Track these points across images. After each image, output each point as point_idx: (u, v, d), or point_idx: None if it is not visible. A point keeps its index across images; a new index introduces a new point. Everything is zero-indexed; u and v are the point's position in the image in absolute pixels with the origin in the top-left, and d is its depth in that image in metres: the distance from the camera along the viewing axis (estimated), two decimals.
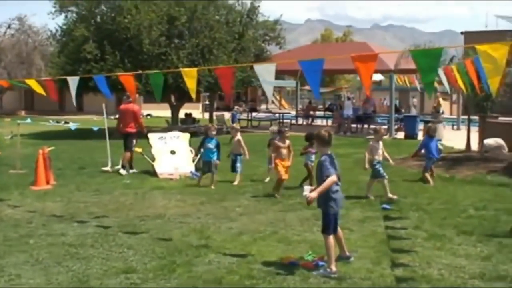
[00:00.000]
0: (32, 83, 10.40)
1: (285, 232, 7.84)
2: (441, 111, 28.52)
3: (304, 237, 7.59)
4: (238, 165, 12.28)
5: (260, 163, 14.78)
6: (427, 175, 12.14)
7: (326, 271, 6.07)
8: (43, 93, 10.45)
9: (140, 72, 11.24)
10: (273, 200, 10.16)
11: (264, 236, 7.64)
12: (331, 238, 6.25)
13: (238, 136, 12.46)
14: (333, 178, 6.15)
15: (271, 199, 10.25)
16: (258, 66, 7.96)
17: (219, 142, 12.28)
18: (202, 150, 12.57)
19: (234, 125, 11.81)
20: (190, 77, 8.46)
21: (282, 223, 8.38)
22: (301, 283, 5.76)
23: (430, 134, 12.86)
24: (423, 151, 13.00)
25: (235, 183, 11.84)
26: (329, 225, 6.28)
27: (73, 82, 9.66)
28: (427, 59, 6.26)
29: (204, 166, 12.07)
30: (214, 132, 12.17)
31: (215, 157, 11.88)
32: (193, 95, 8.54)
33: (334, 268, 6.09)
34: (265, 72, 7.50)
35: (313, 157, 11.38)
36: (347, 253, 6.52)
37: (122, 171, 13.36)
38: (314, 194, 6.16)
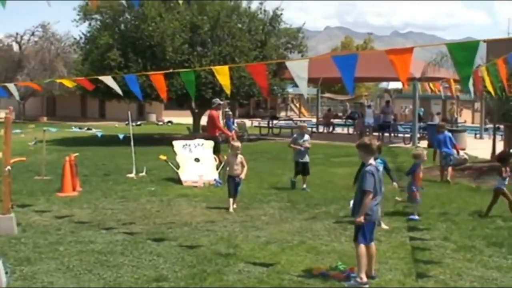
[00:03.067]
0: (64, 81, 10.54)
1: (313, 242, 7.81)
2: (453, 120, 28.32)
3: (332, 247, 7.56)
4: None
5: (284, 171, 14.80)
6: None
7: (357, 282, 6.05)
8: (73, 84, 10.68)
9: (171, 71, 11.31)
10: (298, 209, 10.14)
11: (292, 245, 7.62)
12: (363, 246, 6.21)
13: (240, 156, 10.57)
14: (369, 196, 6.14)
15: (296, 208, 10.23)
16: (291, 62, 7.98)
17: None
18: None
19: (235, 143, 10.74)
20: (222, 75, 8.47)
21: (309, 233, 8.36)
22: None
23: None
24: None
25: (231, 209, 10.06)
26: (359, 233, 6.25)
27: (107, 79, 9.75)
28: (464, 52, 6.15)
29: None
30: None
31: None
32: (228, 91, 8.56)
33: (364, 278, 6.06)
34: (298, 68, 7.51)
35: (506, 181, 9.92)
36: (373, 273, 6.32)
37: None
38: (361, 219, 6.17)
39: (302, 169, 12.46)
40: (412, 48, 6.81)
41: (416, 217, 9.41)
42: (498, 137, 18.75)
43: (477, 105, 38.82)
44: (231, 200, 10.15)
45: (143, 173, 14.25)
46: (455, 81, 17.50)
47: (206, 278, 6.17)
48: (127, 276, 6.28)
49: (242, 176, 10.45)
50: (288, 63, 7.93)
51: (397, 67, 6.65)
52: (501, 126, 18.94)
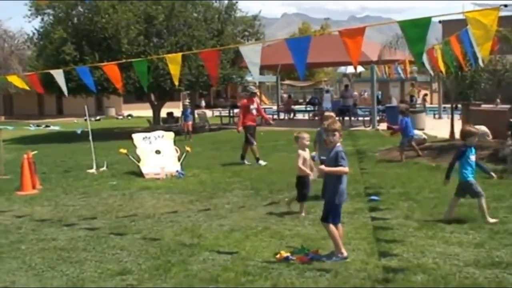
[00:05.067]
0: (14, 79, 10.25)
1: (277, 227, 7.82)
2: (414, 101, 28.83)
3: (296, 231, 7.59)
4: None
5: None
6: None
7: (338, 257, 6.20)
8: (26, 87, 10.29)
9: (124, 61, 11.04)
10: (262, 196, 10.15)
11: (256, 232, 7.62)
12: (332, 226, 6.32)
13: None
14: (345, 169, 6.26)
15: (259, 195, 10.24)
16: (244, 47, 7.95)
17: None
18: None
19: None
20: (174, 63, 8.39)
21: (273, 219, 8.38)
22: (298, 277, 5.74)
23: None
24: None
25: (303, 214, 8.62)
26: (329, 214, 6.35)
27: (58, 74, 9.54)
28: (416, 29, 6.23)
29: None
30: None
31: None
32: (176, 81, 8.48)
33: (345, 253, 6.25)
34: (251, 53, 7.48)
35: None
36: (344, 253, 6.36)
37: (262, 162, 13.96)
38: (326, 169, 6.32)
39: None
40: (364, 27, 6.84)
41: (376, 197, 9.53)
42: (457, 116, 19.09)
43: (435, 85, 39.44)
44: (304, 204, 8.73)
45: (104, 168, 14.05)
46: (410, 62, 17.80)
47: (170, 269, 6.11)
48: (90, 271, 6.18)
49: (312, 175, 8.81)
50: (241, 48, 7.89)
51: (349, 48, 6.68)
52: (459, 105, 19.30)
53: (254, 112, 14.28)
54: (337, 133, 6.44)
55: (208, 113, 31.72)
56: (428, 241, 6.94)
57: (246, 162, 14.14)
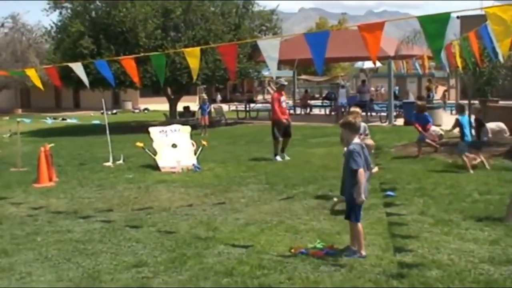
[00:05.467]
0: (31, 73, 10.32)
1: (292, 222, 7.84)
2: (431, 96, 28.64)
3: (311, 226, 7.59)
4: None
5: (262, 153, 14.81)
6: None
7: (356, 255, 6.19)
8: (41, 86, 10.34)
9: (141, 55, 11.02)
10: (277, 190, 10.16)
11: (271, 226, 7.64)
12: (359, 224, 6.31)
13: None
14: (361, 172, 6.15)
15: (274, 189, 10.25)
16: (263, 41, 7.91)
17: None
18: None
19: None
20: (193, 57, 8.38)
21: (288, 213, 8.38)
22: (312, 271, 5.75)
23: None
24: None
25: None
26: (352, 211, 6.32)
27: (77, 67, 9.59)
28: (435, 24, 6.14)
29: None
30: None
31: None
32: (194, 76, 8.47)
33: (364, 253, 6.21)
34: (269, 47, 7.44)
35: None
36: (363, 253, 6.32)
37: (278, 158, 13.84)
38: (362, 197, 6.19)
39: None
40: (383, 22, 6.79)
41: (392, 193, 9.49)
42: None
43: (452, 81, 39.13)
44: None
45: (120, 161, 14.15)
46: (428, 58, 17.68)
47: (186, 262, 6.16)
48: (106, 263, 6.24)
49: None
50: (259, 42, 7.86)
51: (368, 42, 6.64)
52: (476, 102, 19.12)
53: (284, 105, 14.14)
54: (347, 129, 6.42)
55: (225, 107, 31.76)
56: (443, 237, 6.91)
57: (285, 157, 13.92)
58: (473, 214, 7.98)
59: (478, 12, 7.05)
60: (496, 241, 6.71)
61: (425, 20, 6.35)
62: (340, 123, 6.67)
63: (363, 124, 8.74)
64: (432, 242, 6.73)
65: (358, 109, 9.45)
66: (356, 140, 6.38)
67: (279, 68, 49.60)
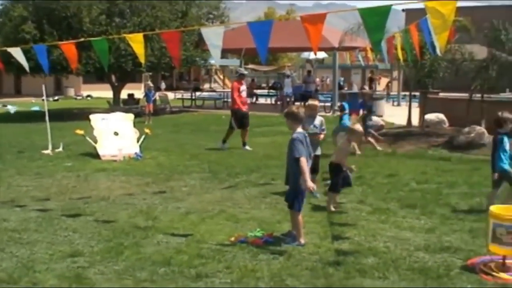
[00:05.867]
0: None
1: (233, 211, 7.84)
2: (374, 87, 29.22)
3: (252, 214, 7.61)
4: None
5: (206, 142, 14.78)
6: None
7: (295, 243, 6.24)
8: None
9: (81, 40, 10.72)
10: (220, 179, 10.13)
11: (212, 215, 7.61)
12: (300, 214, 6.37)
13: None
14: (303, 160, 6.17)
15: (217, 178, 10.22)
16: (206, 29, 7.84)
17: None
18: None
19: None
20: (136, 43, 8.23)
21: (230, 202, 8.38)
22: (251, 260, 5.77)
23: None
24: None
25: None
26: (295, 200, 6.37)
27: (16, 52, 9.28)
28: (375, 17, 6.21)
29: None
30: None
31: None
32: (142, 60, 8.31)
33: (302, 241, 6.27)
34: (213, 35, 7.39)
35: None
36: (302, 241, 6.35)
37: (225, 145, 13.77)
38: (311, 184, 6.20)
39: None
40: (325, 14, 6.83)
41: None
42: (415, 104, 19.37)
43: (395, 73, 39.91)
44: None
45: (60, 149, 13.80)
46: (371, 49, 17.91)
47: (123, 252, 6.06)
48: (41, 253, 6.07)
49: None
50: (203, 30, 7.79)
51: (310, 33, 6.67)
52: (417, 93, 19.56)
53: (244, 94, 14.05)
54: (290, 119, 6.46)
55: (170, 95, 31.45)
56: (380, 225, 7.06)
57: (247, 148, 13.80)
58: (410, 203, 8.18)
59: (422, 5, 7.17)
60: (431, 230, 6.89)
61: (365, 13, 6.42)
62: (284, 113, 6.71)
63: (319, 118, 8.79)
64: (369, 230, 6.86)
65: (316, 102, 9.27)
66: (300, 129, 6.41)
67: (225, 57, 49.45)
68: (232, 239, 6.41)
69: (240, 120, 13.78)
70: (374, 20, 6.30)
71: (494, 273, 5.43)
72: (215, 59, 7.67)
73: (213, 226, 7.03)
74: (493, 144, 7.80)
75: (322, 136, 8.82)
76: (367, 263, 5.67)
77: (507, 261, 5.61)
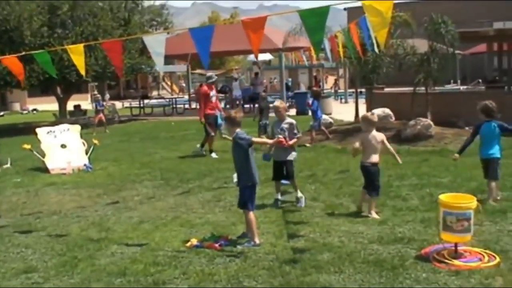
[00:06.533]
0: None
1: (187, 216, 7.81)
2: (321, 86, 29.65)
3: (206, 219, 7.60)
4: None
5: (156, 149, 14.66)
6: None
7: (250, 244, 6.26)
8: None
9: (23, 53, 10.45)
10: (172, 186, 10.07)
11: (166, 222, 7.57)
12: (252, 213, 6.41)
13: None
14: (255, 139, 6.58)
15: (169, 185, 10.15)
16: (148, 37, 7.80)
17: None
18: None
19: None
20: (76, 54, 8.11)
21: (183, 208, 8.34)
22: (208, 264, 5.76)
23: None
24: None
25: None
26: (246, 200, 6.41)
27: None
28: (315, 18, 6.33)
29: None
30: None
31: None
32: (82, 72, 8.19)
33: (257, 241, 6.29)
34: (155, 43, 7.36)
35: None
36: (257, 241, 6.38)
37: (214, 155, 13.26)
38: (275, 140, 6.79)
39: (280, 171, 8.37)
40: (265, 17, 6.91)
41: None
42: (362, 100, 19.72)
43: (341, 71, 40.50)
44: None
45: (8, 165, 13.44)
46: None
47: (77, 265, 5.96)
48: None
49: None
50: (145, 38, 7.75)
51: (251, 37, 6.73)
52: (364, 90, 19.93)
53: (214, 99, 13.83)
54: (227, 123, 6.61)
55: (118, 104, 31.03)
56: (334, 221, 7.15)
57: (213, 155, 13.36)
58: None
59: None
60: (384, 222, 7.03)
61: (305, 14, 6.53)
62: (224, 117, 6.78)
63: (289, 121, 8.28)
64: (323, 226, 6.94)
65: (278, 103, 8.75)
66: (239, 129, 6.48)
67: (172, 63, 49.15)
68: (188, 245, 6.39)
69: (215, 124, 13.63)
70: (313, 20, 6.42)
71: (447, 261, 5.58)
72: (159, 67, 7.63)
73: (167, 233, 6.99)
74: (475, 131, 7.99)
75: (285, 141, 7.63)
76: (323, 259, 5.74)
77: (459, 248, 5.78)
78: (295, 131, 8.24)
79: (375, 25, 6.28)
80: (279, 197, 8.33)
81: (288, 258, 5.83)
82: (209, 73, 14.81)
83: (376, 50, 7.72)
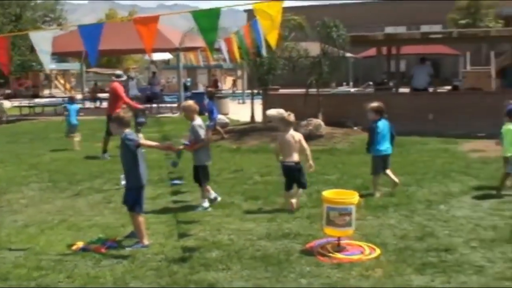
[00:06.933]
0: None
1: (75, 219, 7.58)
2: (220, 86, 29.86)
3: (95, 221, 7.42)
4: None
5: (45, 150, 14.13)
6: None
7: (139, 245, 6.19)
8: None
9: None
10: (60, 188, 9.72)
11: (52, 225, 7.31)
12: (140, 216, 6.35)
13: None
14: (143, 142, 6.51)
15: (57, 187, 9.80)
16: (34, 34, 7.49)
17: None
18: None
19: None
20: None
21: (71, 210, 8.09)
22: (93, 267, 5.63)
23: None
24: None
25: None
26: (134, 202, 6.33)
27: None
28: (208, 19, 6.38)
29: None
30: None
31: None
32: None
33: (146, 242, 6.23)
34: (41, 40, 7.09)
35: None
36: (145, 242, 6.31)
37: (106, 156, 12.65)
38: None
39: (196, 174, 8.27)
40: (157, 16, 6.87)
41: (178, 181, 9.66)
42: (259, 101, 19.98)
43: (240, 72, 40.94)
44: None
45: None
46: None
47: None
48: None
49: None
50: (31, 35, 7.42)
51: (143, 36, 6.66)
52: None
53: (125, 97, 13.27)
54: (115, 123, 6.51)
55: (7, 103, 29.52)
56: (224, 219, 7.22)
57: (106, 156, 12.81)
58: (253, 195, 8.47)
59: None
60: (273, 219, 7.19)
61: (198, 15, 6.56)
62: (113, 117, 6.68)
63: (193, 123, 8.16)
64: (214, 224, 7.00)
65: (187, 103, 8.65)
66: (128, 130, 6.41)
67: (66, 61, 47.55)
68: (74, 248, 6.21)
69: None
70: (206, 21, 6.46)
71: (330, 254, 5.81)
72: (44, 65, 7.37)
73: (53, 237, 6.76)
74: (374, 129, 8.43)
75: (185, 148, 8.00)
76: (211, 257, 5.79)
77: (341, 241, 6.02)
78: (199, 133, 8.09)
79: (265, 28, 6.42)
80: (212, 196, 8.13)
81: (177, 258, 5.82)
82: (118, 71, 14.36)
83: (264, 53, 7.85)
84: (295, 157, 7.65)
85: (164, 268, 5.52)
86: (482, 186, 8.77)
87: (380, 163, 8.38)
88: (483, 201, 7.90)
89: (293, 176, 7.67)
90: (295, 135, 7.70)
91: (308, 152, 7.79)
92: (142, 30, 6.63)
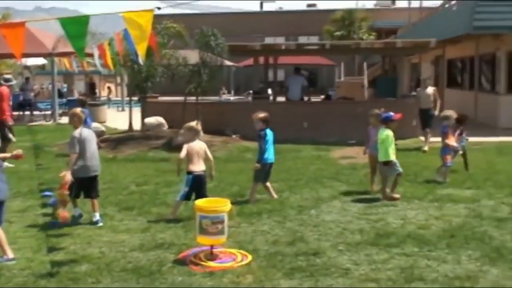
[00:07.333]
0: None
1: None
2: (97, 93, 29.16)
3: None
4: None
5: None
6: None
7: (3, 259, 5.93)
8: None
9: None
10: None
11: None
12: None
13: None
14: None
15: None
16: None
17: None
18: None
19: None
20: None
21: None
22: None
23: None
24: None
25: None
26: None
27: None
28: (76, 26, 6.30)
29: None
30: None
31: None
32: None
33: (11, 256, 5.97)
34: None
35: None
36: (10, 255, 6.01)
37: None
38: None
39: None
40: (23, 22, 6.68)
41: (50, 193, 9.26)
42: (139, 109, 19.70)
43: (119, 79, 40.10)
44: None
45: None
46: (88, 55, 17.76)
47: None
48: None
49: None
50: None
51: (11, 42, 6.41)
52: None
53: (9, 103, 12.50)
54: None
55: None
56: (96, 232, 7.07)
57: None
58: (128, 205, 8.36)
59: None
60: (147, 229, 7.14)
61: (65, 22, 6.44)
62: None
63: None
64: (85, 237, 6.82)
65: (75, 111, 8.01)
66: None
67: None
68: None
69: (10, 129, 12.34)
70: (74, 29, 6.37)
71: (202, 263, 5.86)
72: None
73: None
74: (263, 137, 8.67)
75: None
76: (81, 271, 5.65)
77: (214, 250, 6.10)
78: (70, 145, 7.61)
79: (135, 38, 6.38)
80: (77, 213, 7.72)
81: (45, 272, 5.64)
82: (7, 75, 13.48)
83: (140, 61, 7.78)
84: (203, 166, 7.65)
85: (30, 283, 5.34)
86: (351, 191, 9.25)
87: (264, 171, 8.61)
88: (351, 205, 8.32)
89: (201, 185, 7.60)
90: (201, 145, 7.71)
91: (212, 162, 7.81)
92: (8, 36, 6.39)
